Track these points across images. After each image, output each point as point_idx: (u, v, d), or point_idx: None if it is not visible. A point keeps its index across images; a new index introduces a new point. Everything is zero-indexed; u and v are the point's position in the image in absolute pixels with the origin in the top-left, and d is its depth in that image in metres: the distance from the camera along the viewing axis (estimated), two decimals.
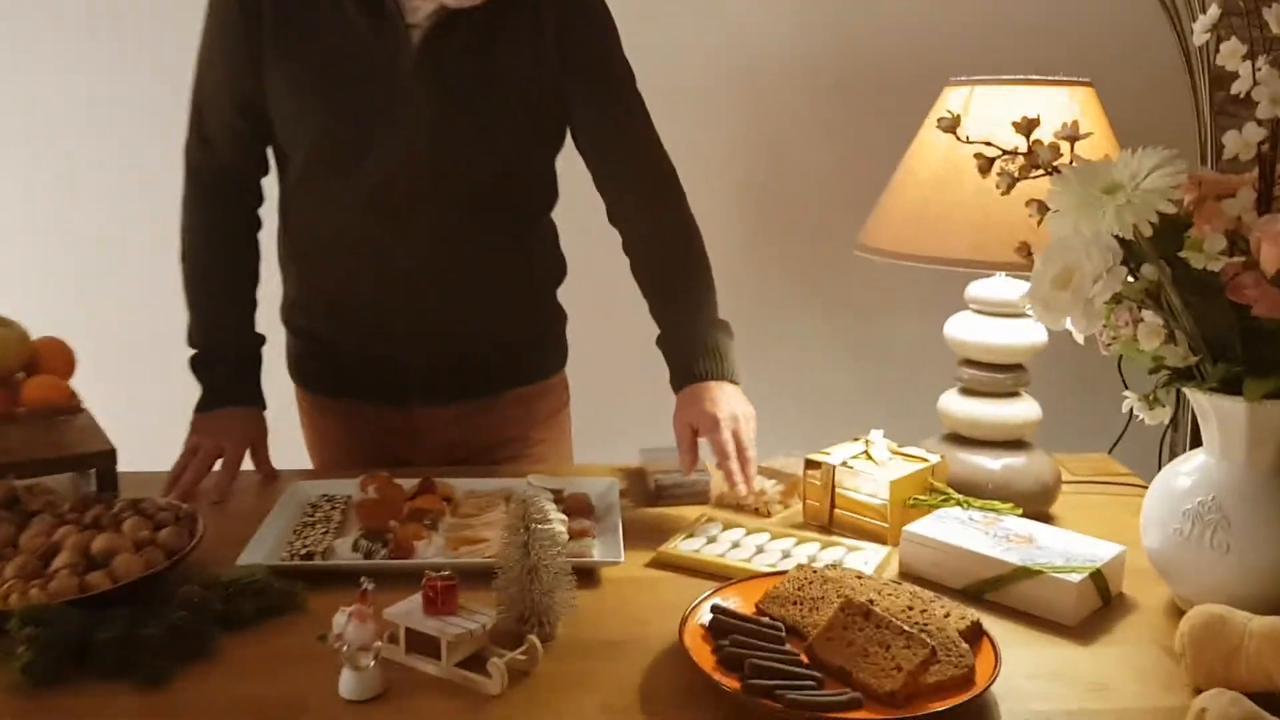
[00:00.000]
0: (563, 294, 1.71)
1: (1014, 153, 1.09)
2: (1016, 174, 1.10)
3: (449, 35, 1.42)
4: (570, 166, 1.59)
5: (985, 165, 1.11)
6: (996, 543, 1.22)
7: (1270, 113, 0.99)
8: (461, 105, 1.44)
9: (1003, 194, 1.09)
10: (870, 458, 1.39)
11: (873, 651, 1.00)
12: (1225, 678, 0.99)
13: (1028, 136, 1.09)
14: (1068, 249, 1.01)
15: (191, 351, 1.58)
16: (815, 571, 1.14)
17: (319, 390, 1.68)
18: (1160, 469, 1.18)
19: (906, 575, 1.25)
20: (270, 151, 1.57)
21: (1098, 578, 1.16)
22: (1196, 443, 1.15)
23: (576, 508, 1.36)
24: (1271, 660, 0.96)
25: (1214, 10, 1.08)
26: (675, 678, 1.03)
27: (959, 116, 1.13)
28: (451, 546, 1.26)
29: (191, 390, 1.56)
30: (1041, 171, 1.08)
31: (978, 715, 0.97)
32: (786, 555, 1.27)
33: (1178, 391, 1.12)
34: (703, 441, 1.41)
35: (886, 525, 1.32)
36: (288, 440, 1.69)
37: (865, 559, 1.26)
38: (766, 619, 1.09)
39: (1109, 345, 1.12)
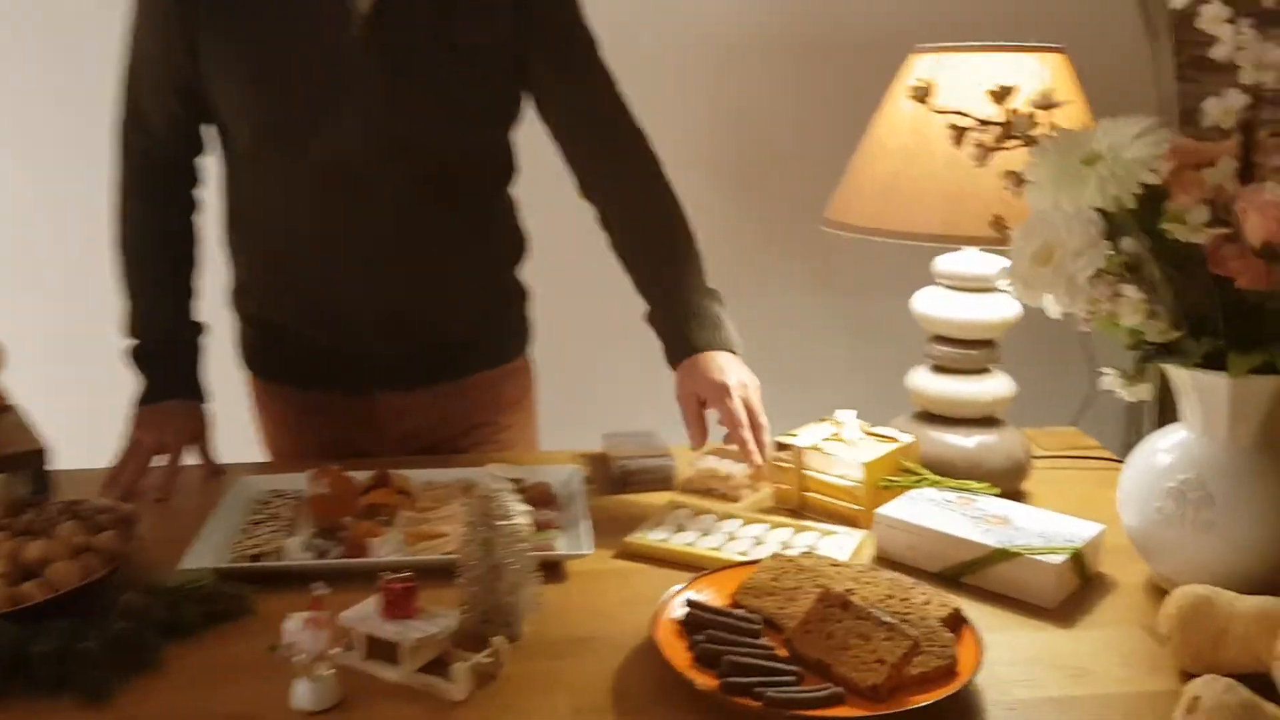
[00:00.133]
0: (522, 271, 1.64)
1: (989, 123, 1.05)
2: (991, 145, 1.06)
3: (399, 2, 1.35)
4: (527, 138, 1.52)
5: (958, 136, 1.07)
6: (973, 524, 1.19)
7: (1254, 78, 0.96)
8: (415, 77, 1.38)
9: (977, 166, 1.05)
10: (841, 439, 1.36)
11: (853, 644, 0.96)
12: (1213, 660, 0.97)
13: (1002, 105, 1.05)
14: (1048, 223, 0.98)
15: (129, 342, 1.50)
16: (790, 560, 1.10)
17: (272, 378, 1.61)
18: (1124, 440, 1.15)
19: (882, 559, 1.22)
20: (211, 128, 1.49)
21: (1077, 559, 1.14)
22: (1161, 414, 1.13)
23: (538, 498, 1.31)
24: (1260, 642, 0.93)
25: None
26: (648, 676, 0.99)
27: (931, 85, 1.09)
28: (409, 542, 1.21)
29: (130, 383, 1.48)
30: (1017, 142, 1.04)
31: (962, 707, 0.94)
32: (759, 542, 1.24)
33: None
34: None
35: (860, 508, 1.29)
36: (236, 433, 1.62)
37: (839, 544, 1.23)
38: (742, 611, 1.05)
39: (1087, 321, 1.08)
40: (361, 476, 1.34)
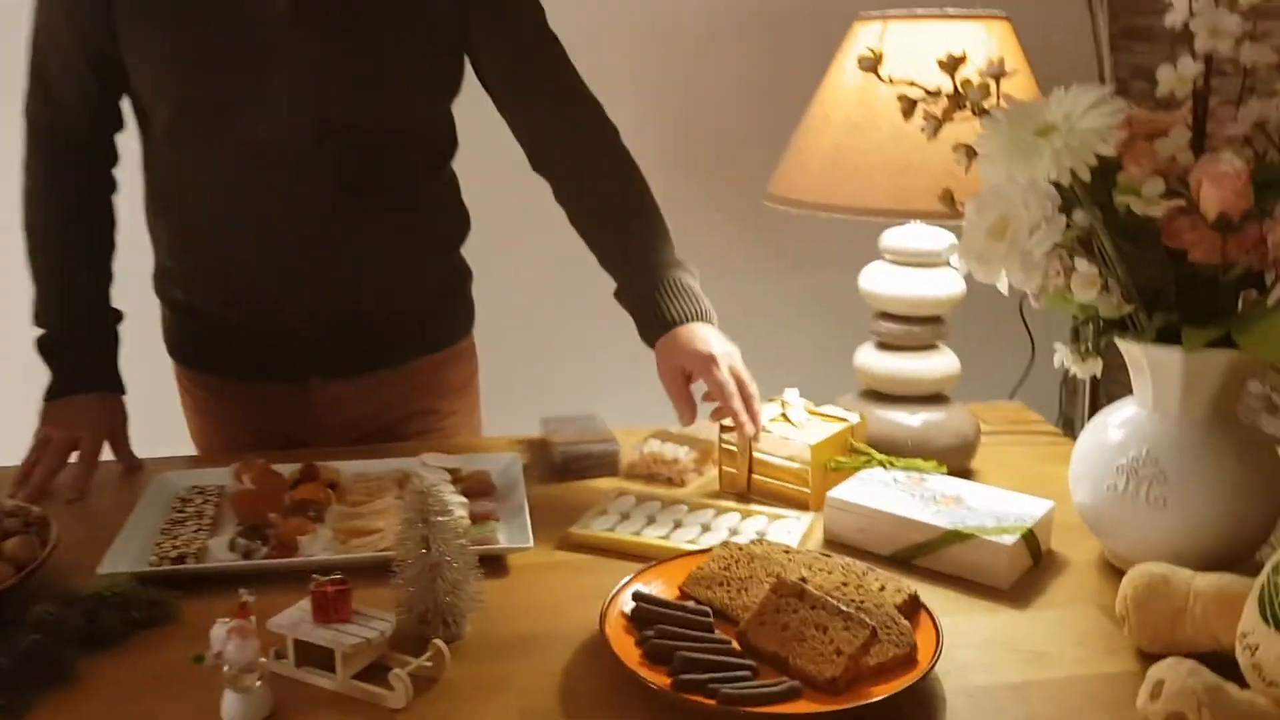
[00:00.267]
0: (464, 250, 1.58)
1: (940, 93, 1.01)
2: (942, 116, 1.02)
3: None
4: (466, 110, 1.45)
5: (909, 107, 1.03)
6: (924, 505, 1.16)
7: (1208, 46, 0.94)
8: (347, 47, 1.31)
9: (929, 138, 1.02)
10: (787, 419, 1.32)
11: (809, 635, 0.93)
12: (1170, 640, 0.95)
13: (953, 75, 1.01)
14: (1002, 197, 0.95)
15: (39, 332, 1.41)
16: (741, 549, 1.07)
17: (201, 367, 1.53)
18: (1061, 413, 1.14)
19: (832, 543, 1.19)
20: (128, 102, 1.40)
21: (1030, 538, 1.12)
22: (1097, 388, 1.11)
23: (476, 488, 1.26)
24: (1219, 621, 0.92)
25: None
26: (598, 674, 0.95)
27: (880, 55, 1.05)
28: (341, 540, 1.15)
29: (40, 375, 1.40)
30: (969, 113, 1.01)
31: (921, 697, 0.92)
32: (706, 529, 1.20)
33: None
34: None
35: (809, 491, 1.26)
36: (161, 425, 1.54)
37: (789, 528, 1.20)
38: (692, 603, 1.01)
39: (1038, 296, 1.06)
40: (288, 470, 1.28)
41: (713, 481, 1.35)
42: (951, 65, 1.01)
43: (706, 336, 1.30)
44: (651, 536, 1.18)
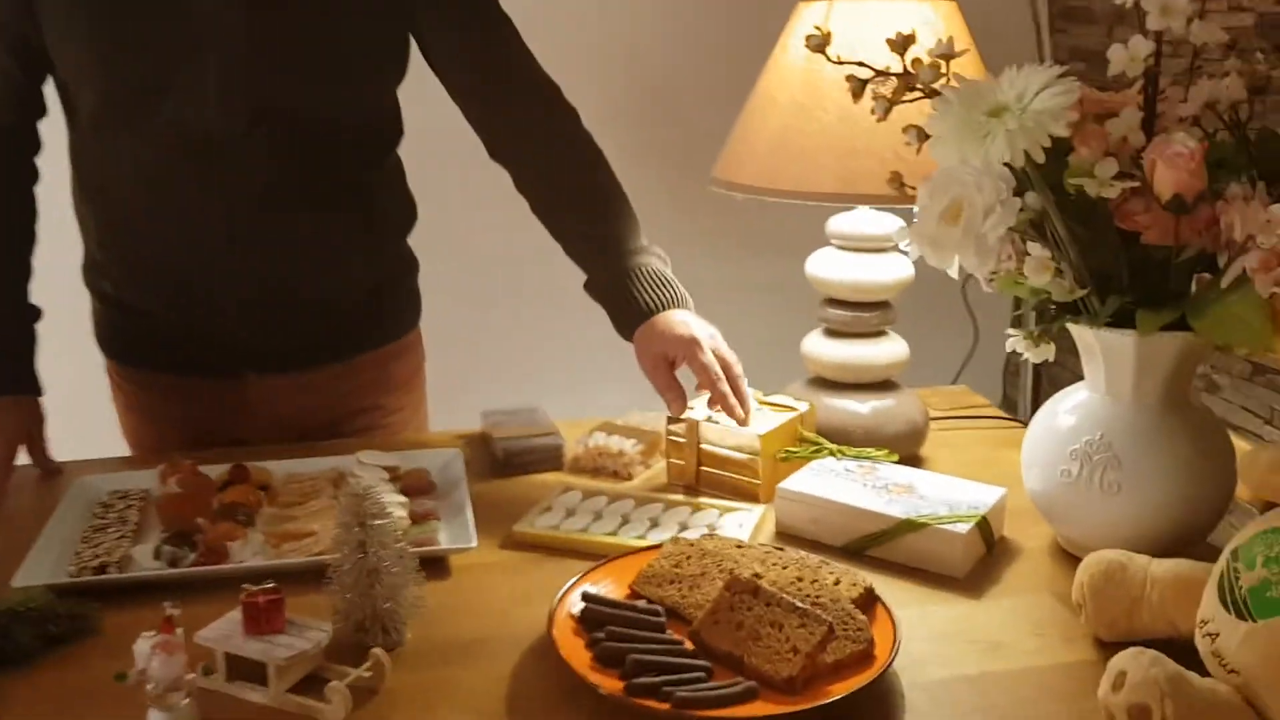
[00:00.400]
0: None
1: (890, 74, 0.98)
2: (892, 97, 0.99)
3: None
4: (410, 90, 1.39)
5: (858, 88, 1.00)
6: (877, 494, 1.14)
7: (1160, 24, 0.92)
8: (281, 30, 1.24)
9: (879, 120, 0.99)
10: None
11: (765, 633, 0.90)
12: (1128, 627, 0.94)
13: (903, 55, 0.99)
14: (955, 180, 0.92)
15: None
16: (692, 544, 1.04)
17: (132, 362, 1.45)
18: (1004, 395, 1.13)
19: (784, 535, 1.16)
20: (52, 87, 1.32)
21: (983, 526, 1.10)
22: (1039, 370, 1.10)
23: (415, 486, 1.21)
24: (1176, 608, 0.91)
25: None
26: (546, 679, 0.91)
27: (829, 34, 1.02)
28: (273, 544, 1.10)
29: None
30: (919, 94, 0.98)
31: (879, 693, 0.89)
32: (655, 524, 1.17)
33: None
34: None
35: (759, 482, 1.23)
36: (91, 423, 1.46)
37: (739, 521, 1.17)
38: (643, 603, 0.98)
39: (990, 281, 1.04)
40: (217, 472, 1.22)
41: (660, 474, 1.32)
42: (901, 45, 0.98)
43: (686, 320, 1.26)
44: (598, 533, 1.14)
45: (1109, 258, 0.98)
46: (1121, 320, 0.98)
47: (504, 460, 1.33)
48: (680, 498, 1.23)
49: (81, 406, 1.42)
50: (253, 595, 0.89)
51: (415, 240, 1.52)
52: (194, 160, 1.28)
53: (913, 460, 1.34)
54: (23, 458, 1.32)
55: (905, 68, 0.99)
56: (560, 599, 0.98)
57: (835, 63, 1.03)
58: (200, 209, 1.30)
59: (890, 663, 0.89)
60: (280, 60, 1.26)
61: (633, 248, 1.32)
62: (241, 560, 1.07)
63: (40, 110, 1.35)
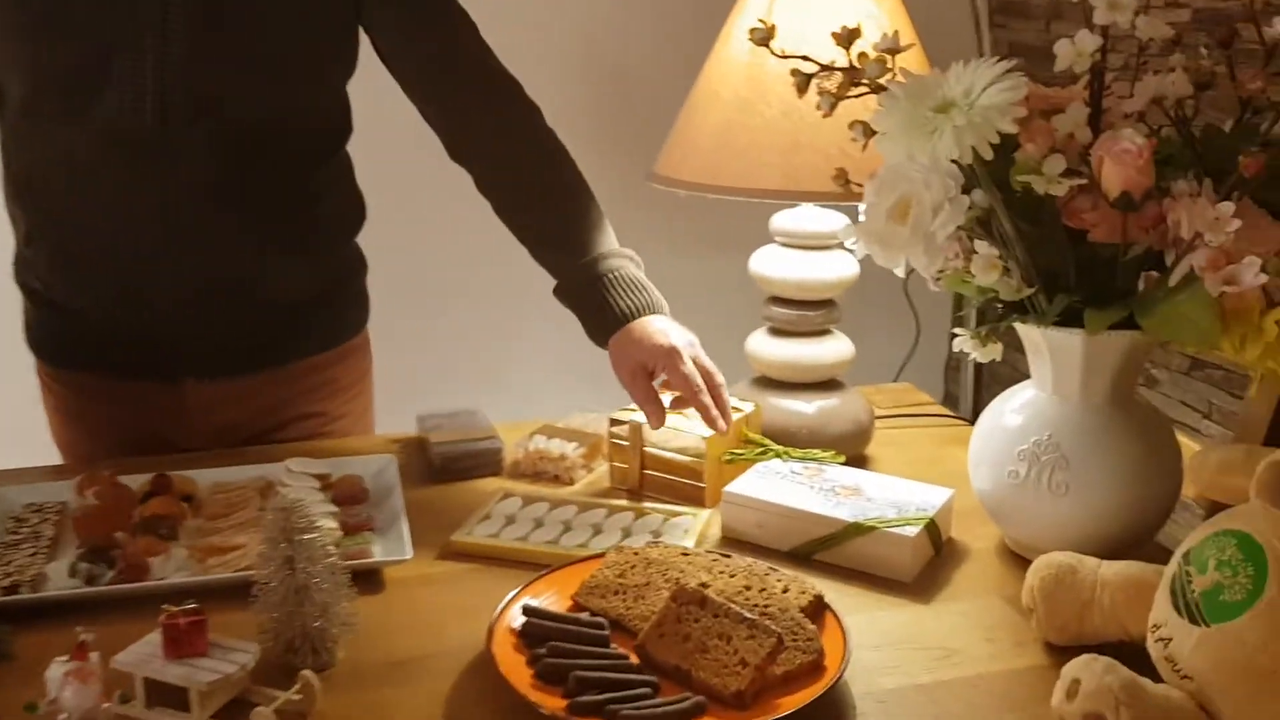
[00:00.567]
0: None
1: (835, 68, 0.96)
2: (836, 92, 0.97)
3: None
4: (357, 82, 1.34)
5: (803, 83, 0.98)
6: (824, 497, 1.12)
7: (1107, 18, 0.91)
8: (226, 19, 1.18)
9: (824, 116, 0.96)
10: (681, 411, 1.26)
11: (712, 645, 0.88)
12: (1078, 631, 0.93)
13: (848, 49, 0.96)
14: (903, 177, 0.90)
15: None
16: (636, 553, 1.01)
17: (64, 365, 1.38)
18: (946, 391, 1.11)
19: (729, 540, 1.14)
20: None
21: (932, 528, 1.09)
22: (981, 367, 1.09)
23: (348, 495, 1.17)
24: (1127, 611, 0.90)
25: None
26: (485, 699, 0.88)
27: (773, 28, 0.99)
28: (197, 558, 1.05)
29: None
30: (865, 89, 0.96)
31: (830, 705, 0.87)
32: (598, 531, 1.13)
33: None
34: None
35: (704, 486, 1.20)
36: (19, 428, 1.40)
37: (684, 525, 1.14)
38: (586, 615, 0.95)
39: (937, 279, 1.02)
40: (138, 482, 1.16)
41: (603, 478, 1.29)
42: (847, 39, 0.96)
43: (664, 328, 1.21)
44: (539, 542, 1.10)
45: (1056, 256, 0.97)
46: (1069, 319, 0.97)
47: (441, 466, 1.28)
48: (624, 503, 1.20)
49: (7, 410, 1.34)
50: (173, 616, 0.84)
51: (373, 239, 1.47)
52: (129, 156, 1.21)
53: (859, 460, 1.32)
54: None
55: (851, 62, 0.96)
56: (500, 613, 0.94)
57: (779, 57, 1.00)
58: (135, 207, 1.24)
59: (841, 674, 0.86)
60: (223, 53, 1.20)
61: (605, 251, 1.26)
62: (163, 577, 1.02)
63: None
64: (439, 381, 2.23)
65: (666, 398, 1.21)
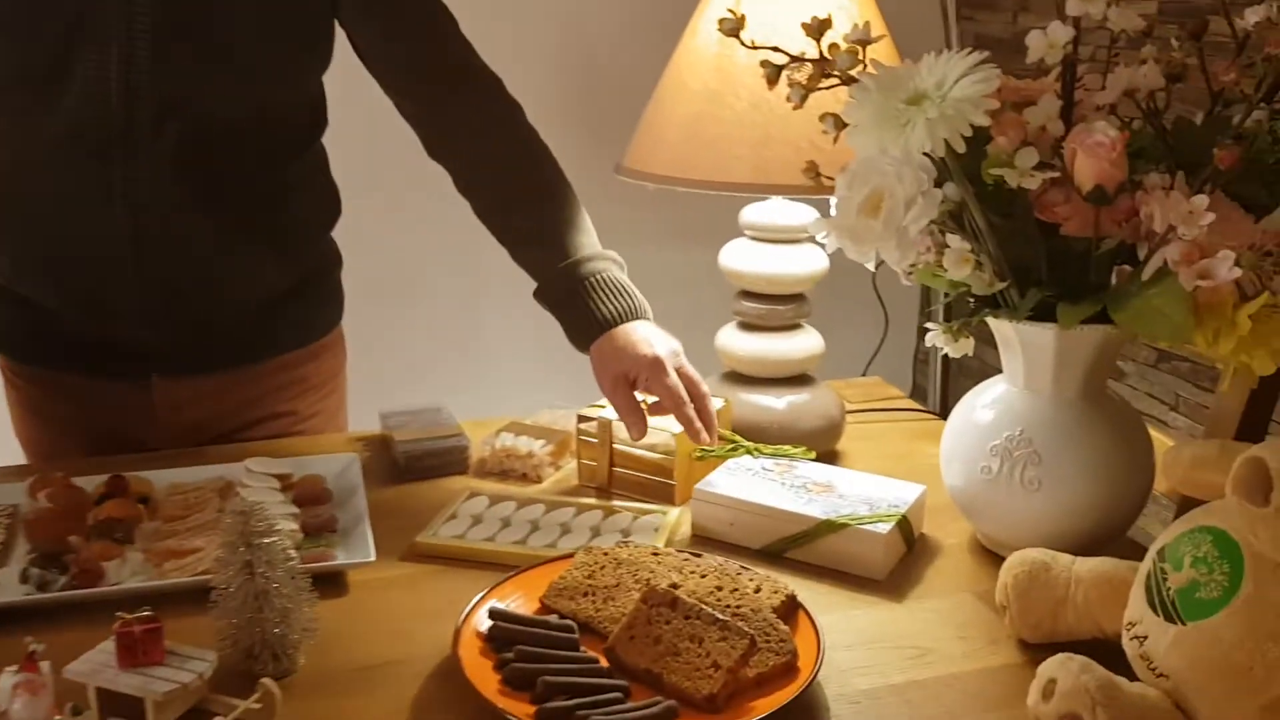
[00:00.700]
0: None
1: (806, 59, 0.94)
2: (808, 84, 0.95)
3: None
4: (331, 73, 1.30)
5: (774, 75, 0.96)
6: (795, 494, 1.11)
7: (1079, 10, 0.90)
8: (193, 13, 1.15)
9: (794, 108, 0.95)
10: (648, 407, 1.25)
11: (684, 648, 0.86)
12: (1052, 629, 0.92)
13: (819, 40, 0.94)
14: (875, 170, 0.89)
15: None
16: (605, 553, 0.99)
17: (28, 360, 1.35)
18: (914, 384, 1.10)
19: (700, 538, 1.12)
20: None
21: (904, 525, 1.08)
22: (949, 360, 1.08)
23: (309, 495, 1.14)
24: (1102, 608, 0.89)
25: None
26: (451, 706, 0.86)
27: (743, 18, 0.97)
28: (154, 562, 1.02)
29: None
30: (836, 81, 0.95)
31: (803, 707, 0.86)
32: (566, 530, 1.11)
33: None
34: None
35: (673, 483, 1.19)
36: None
37: (654, 524, 1.12)
38: (555, 618, 0.93)
39: (909, 274, 1.01)
40: (93, 484, 1.13)
41: (571, 476, 1.27)
42: (817, 30, 0.94)
43: (648, 337, 1.19)
44: (506, 542, 1.08)
45: (1029, 250, 0.96)
46: (1041, 314, 0.96)
47: (405, 465, 1.26)
48: (592, 501, 1.18)
49: None
50: (127, 624, 0.81)
51: (348, 233, 1.44)
52: (94, 156, 1.18)
53: (830, 455, 1.31)
54: None
55: (821, 54, 0.95)
56: (466, 616, 0.92)
57: (749, 48, 0.99)
58: (101, 207, 1.20)
59: (814, 676, 0.85)
60: (190, 50, 1.16)
61: (588, 253, 1.23)
62: (118, 582, 0.99)
63: None
64: (407, 378, 2.21)
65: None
